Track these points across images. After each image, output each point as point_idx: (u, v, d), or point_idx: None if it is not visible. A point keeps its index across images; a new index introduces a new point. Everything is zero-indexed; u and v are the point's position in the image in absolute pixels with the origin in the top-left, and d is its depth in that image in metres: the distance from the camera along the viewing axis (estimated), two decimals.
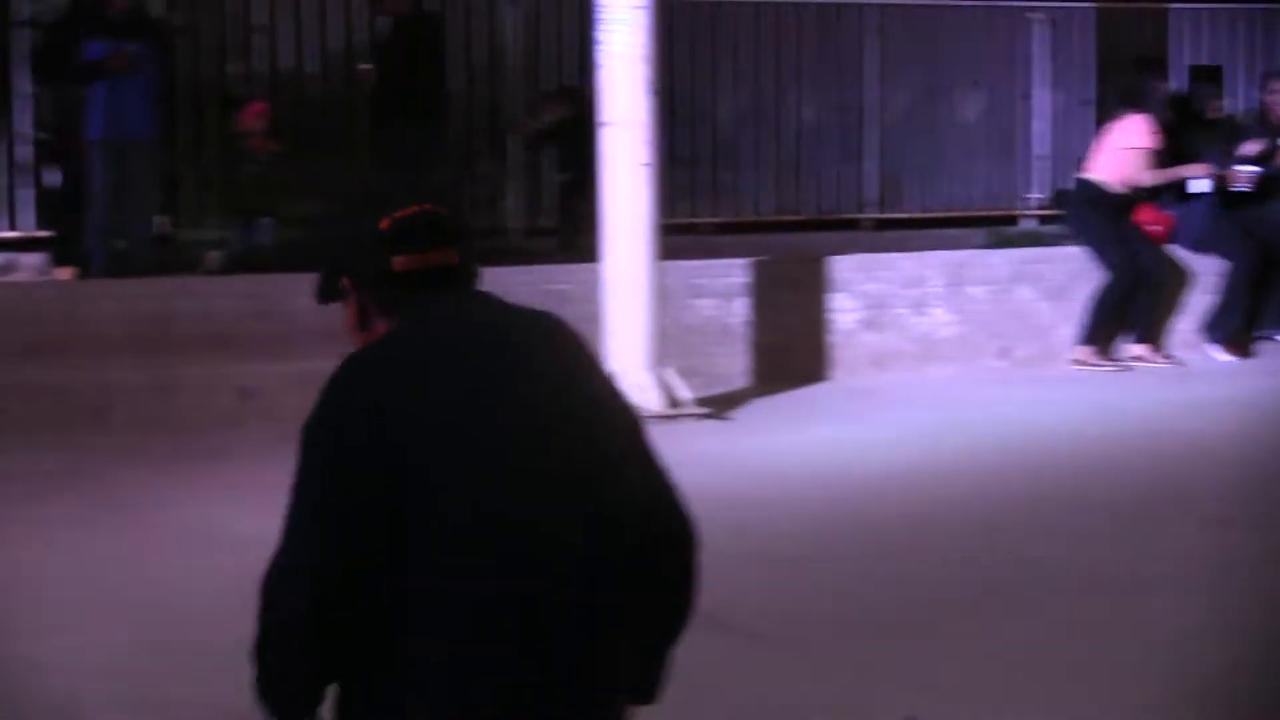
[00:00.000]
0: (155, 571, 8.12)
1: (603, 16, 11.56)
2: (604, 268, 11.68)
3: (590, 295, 12.05)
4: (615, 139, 11.51)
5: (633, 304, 11.52)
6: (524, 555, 3.10)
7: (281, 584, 3.16)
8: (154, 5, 13.75)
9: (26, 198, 13.43)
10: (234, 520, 8.95)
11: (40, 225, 13.29)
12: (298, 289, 12.11)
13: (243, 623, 6.76)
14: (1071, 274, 13.63)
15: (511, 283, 12.41)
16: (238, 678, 6.18)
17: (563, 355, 3.32)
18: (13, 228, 13.31)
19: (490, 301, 3.33)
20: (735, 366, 12.75)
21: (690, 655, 6.89)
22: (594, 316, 11.87)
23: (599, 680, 3.20)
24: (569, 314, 11.80)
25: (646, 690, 3.44)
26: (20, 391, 10.84)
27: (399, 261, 3.26)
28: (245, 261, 12.99)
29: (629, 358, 11.49)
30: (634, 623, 3.27)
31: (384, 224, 3.26)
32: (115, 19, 12.45)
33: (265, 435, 10.84)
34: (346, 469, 3.12)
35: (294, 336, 12.05)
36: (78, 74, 12.35)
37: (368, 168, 13.88)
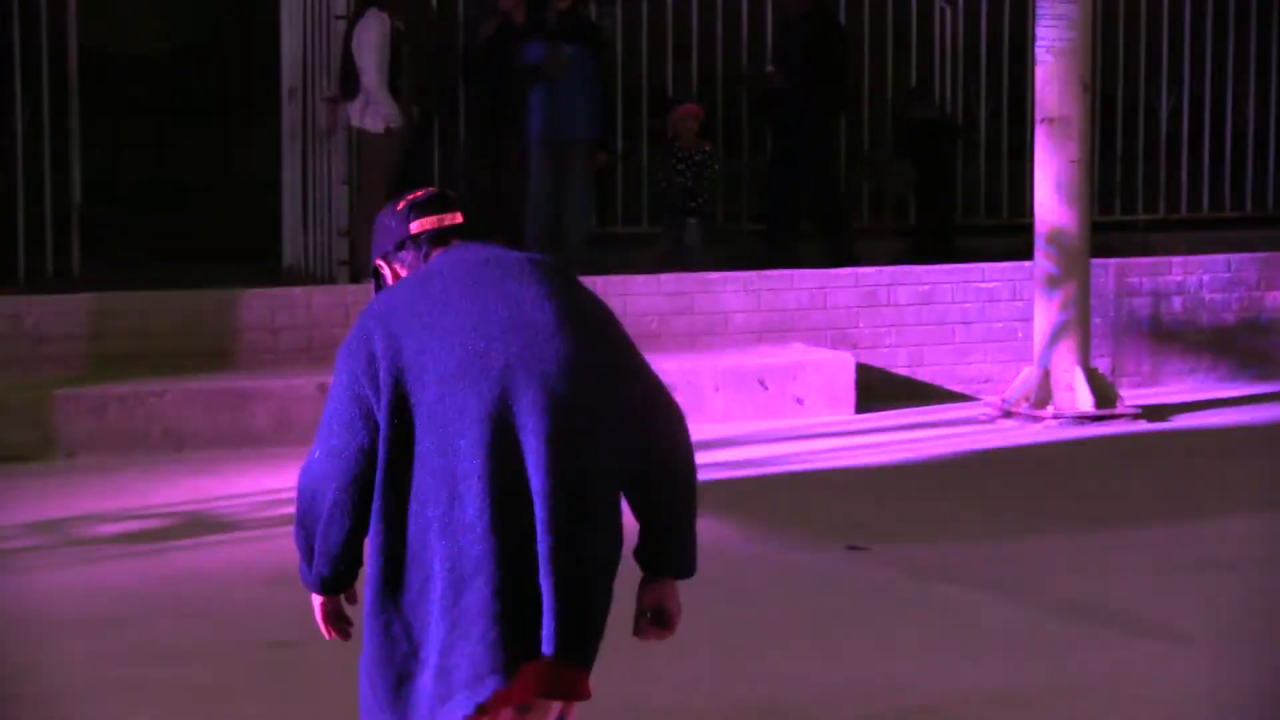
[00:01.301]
0: None
1: (1040, 12, 11.39)
2: (1035, 266, 11.49)
3: (1020, 294, 11.87)
4: (1049, 135, 11.33)
5: (1064, 302, 11.31)
6: (488, 470, 3.79)
7: (314, 473, 3.92)
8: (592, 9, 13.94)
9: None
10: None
11: None
12: (724, 287, 12.32)
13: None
14: None
15: (934, 280, 12.34)
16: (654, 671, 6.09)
17: (546, 286, 3.96)
18: None
19: (488, 248, 4.03)
20: (1168, 366, 12.43)
21: (1113, 657, 6.78)
22: (1024, 315, 11.68)
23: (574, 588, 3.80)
24: (998, 313, 11.67)
25: (685, 564, 4.08)
26: None
27: (414, 225, 4.05)
28: (675, 260, 13.10)
29: (1059, 357, 11.28)
30: (640, 507, 3.97)
31: (401, 205, 4.09)
32: (553, 22, 12.68)
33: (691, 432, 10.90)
34: (362, 379, 3.85)
35: (718, 333, 12.13)
36: (516, 76, 12.60)
37: (776, 167, 13.80)
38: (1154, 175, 15.24)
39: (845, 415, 11.47)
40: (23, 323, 10.86)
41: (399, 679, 3.84)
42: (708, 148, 13.47)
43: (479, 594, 3.76)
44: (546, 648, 3.78)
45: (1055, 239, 11.32)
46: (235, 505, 9.24)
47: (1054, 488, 9.66)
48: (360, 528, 3.89)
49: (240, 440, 10.42)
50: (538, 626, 3.79)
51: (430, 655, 3.81)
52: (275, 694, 6.49)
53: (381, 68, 12.15)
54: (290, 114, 12.90)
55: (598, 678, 3.93)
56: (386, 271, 4.09)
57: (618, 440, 3.95)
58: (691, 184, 13.32)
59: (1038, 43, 11.44)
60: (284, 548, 8.26)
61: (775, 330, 12.21)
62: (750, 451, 10.51)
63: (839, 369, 11.72)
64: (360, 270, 12.35)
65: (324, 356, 11.18)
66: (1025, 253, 11.85)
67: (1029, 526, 8.83)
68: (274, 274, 12.76)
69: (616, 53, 13.81)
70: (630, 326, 12.88)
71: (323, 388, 10.72)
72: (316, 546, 3.95)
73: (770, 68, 13.71)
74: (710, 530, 8.66)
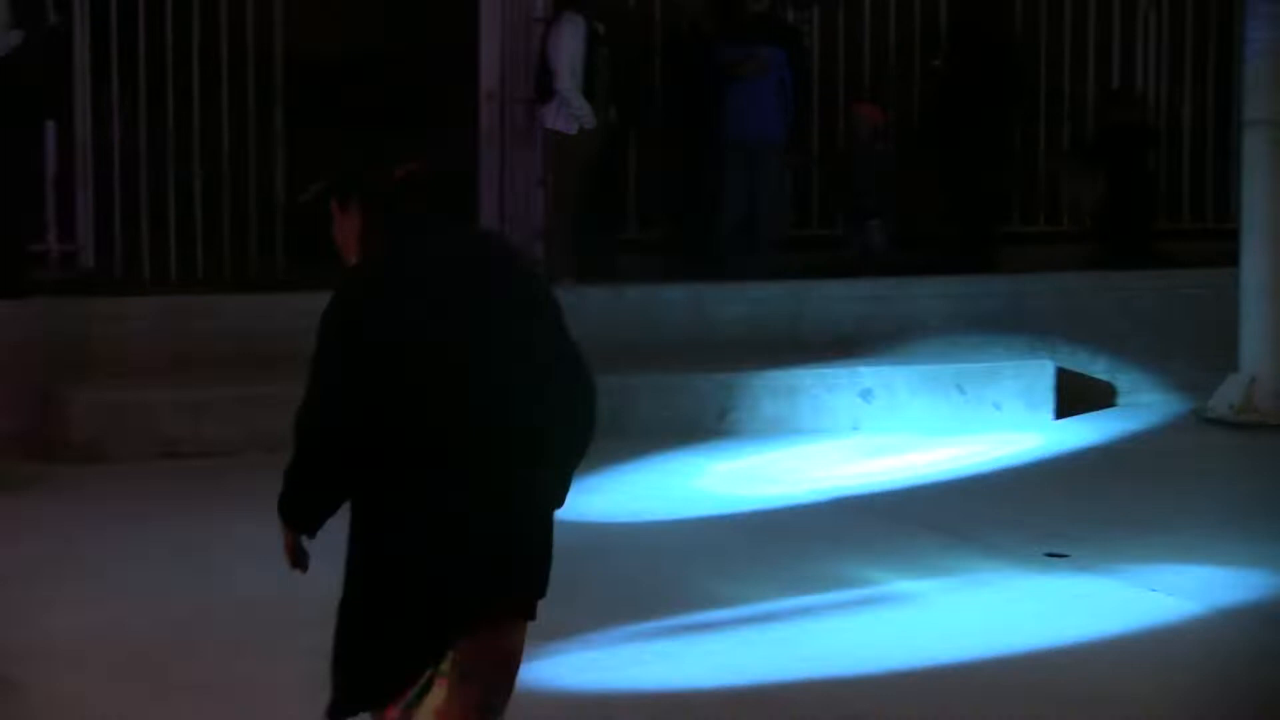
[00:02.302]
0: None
1: (1249, 10, 11.23)
2: (1241, 271, 11.30)
3: (1224, 299, 11.68)
4: (1256, 138, 11.15)
5: (1270, 309, 11.12)
6: (482, 410, 4.14)
7: (311, 424, 4.19)
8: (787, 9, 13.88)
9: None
10: (835, 525, 8.99)
11: (660, 228, 13.57)
12: (920, 290, 12.23)
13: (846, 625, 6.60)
14: None
15: (1136, 286, 12.19)
16: None
17: (509, 260, 4.38)
18: (626, 230, 13.59)
19: (452, 229, 4.35)
20: None
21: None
22: (1228, 323, 11.48)
23: (535, 511, 4.26)
24: (1201, 319, 11.44)
25: (561, 499, 4.37)
26: (647, 391, 11.09)
27: (406, 204, 4.27)
28: (861, 261, 13.03)
29: (1264, 365, 11.10)
30: (558, 459, 4.33)
31: (399, 175, 4.30)
32: (748, 23, 12.69)
33: (887, 435, 10.86)
34: (352, 348, 4.14)
35: (914, 337, 12.06)
36: (711, 78, 12.63)
37: (969, 165, 13.63)
38: None
39: (1044, 420, 11.36)
40: (228, 322, 11.03)
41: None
42: (879, 147, 13.38)
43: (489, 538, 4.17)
44: (529, 586, 4.26)
45: (1262, 243, 11.14)
46: None
47: (1257, 497, 9.51)
48: (351, 481, 4.19)
49: None
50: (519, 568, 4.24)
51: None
52: None
53: (575, 69, 12.21)
54: (488, 116, 13.00)
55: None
56: (359, 222, 4.30)
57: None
58: (867, 183, 13.24)
59: (1247, 43, 11.27)
60: None
61: (972, 334, 12.11)
62: (949, 456, 10.44)
63: (1038, 374, 11.61)
64: (554, 269, 12.43)
65: None
66: (1230, 258, 11.67)
67: (1231, 535, 8.69)
68: None
69: (813, 54, 13.76)
70: (826, 330, 12.91)
71: None
72: (317, 488, 4.24)
73: (936, 63, 13.63)
74: (909, 536, 8.68)
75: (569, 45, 12.23)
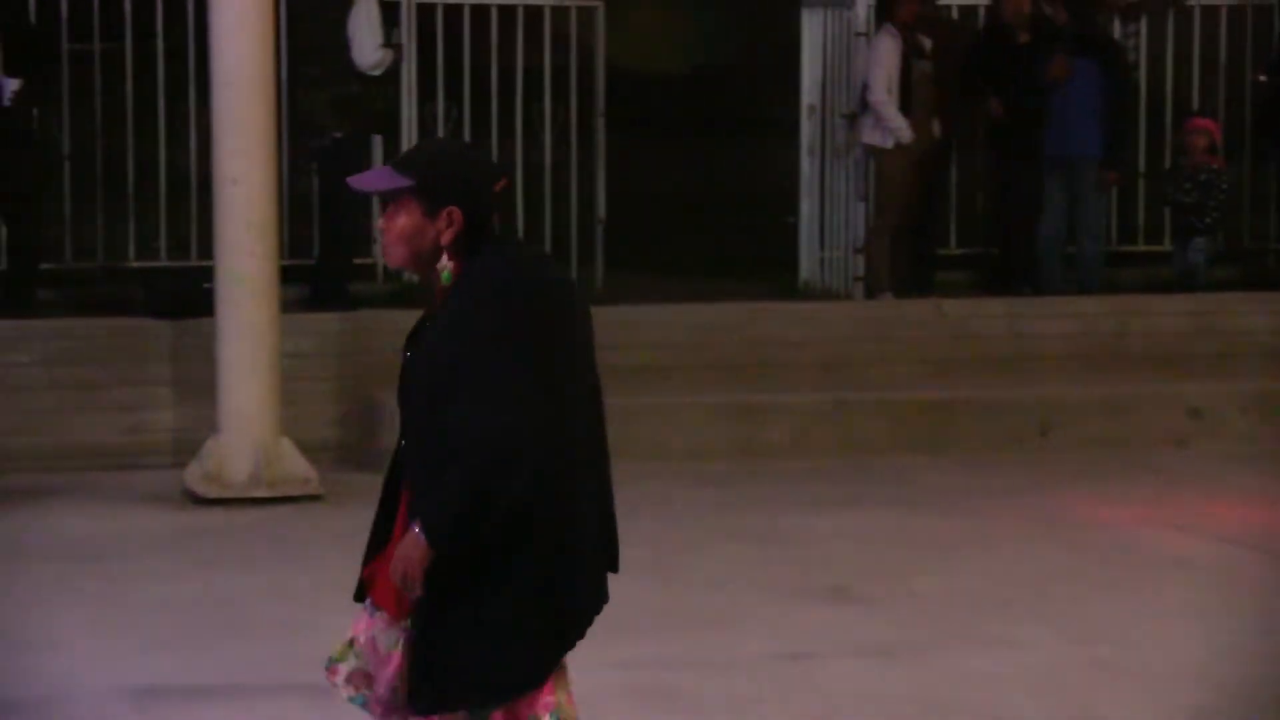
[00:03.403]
0: (1089, 588, 8.08)
1: None
2: None
3: None
4: None
5: None
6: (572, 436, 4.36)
7: (515, 426, 4.17)
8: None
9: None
10: (1167, 543, 8.83)
11: (979, 243, 13.43)
12: (1243, 307, 11.97)
13: (1174, 648, 6.58)
14: None
15: None
16: (1172, 701, 6.01)
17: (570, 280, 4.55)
18: (945, 244, 13.45)
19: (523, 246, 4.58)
20: None
21: None
22: None
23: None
24: None
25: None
26: (967, 407, 11.01)
27: (496, 219, 4.39)
28: (1187, 278, 12.76)
29: None
30: None
31: (498, 188, 4.38)
32: (1065, 36, 12.53)
33: (1211, 456, 10.63)
34: (537, 344, 4.21)
35: (1242, 356, 11.80)
36: (1029, 91, 12.48)
37: None
38: None
39: None
40: None
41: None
42: (1214, 165, 13.02)
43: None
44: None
45: None
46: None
47: None
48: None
49: (755, 453, 10.53)
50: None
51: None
52: None
53: (890, 83, 12.19)
54: (809, 131, 13.00)
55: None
56: (456, 228, 4.31)
57: None
58: (1197, 202, 12.90)
59: None
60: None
61: None
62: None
63: None
64: (873, 283, 12.38)
65: (840, 372, 11.26)
66: None
67: None
68: (791, 289, 12.85)
69: (1139, 68, 13.52)
70: (1149, 346, 12.69)
71: (838, 403, 10.83)
72: (501, 503, 4.23)
73: (1262, 77, 13.32)
74: (1217, 553, 8.50)
75: (884, 59, 12.22)
